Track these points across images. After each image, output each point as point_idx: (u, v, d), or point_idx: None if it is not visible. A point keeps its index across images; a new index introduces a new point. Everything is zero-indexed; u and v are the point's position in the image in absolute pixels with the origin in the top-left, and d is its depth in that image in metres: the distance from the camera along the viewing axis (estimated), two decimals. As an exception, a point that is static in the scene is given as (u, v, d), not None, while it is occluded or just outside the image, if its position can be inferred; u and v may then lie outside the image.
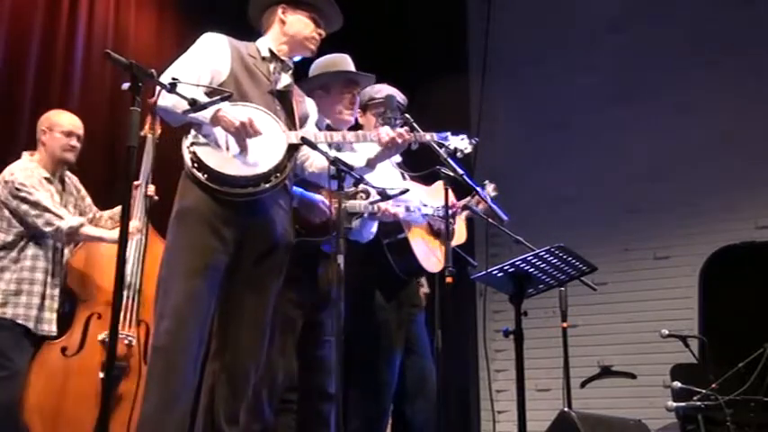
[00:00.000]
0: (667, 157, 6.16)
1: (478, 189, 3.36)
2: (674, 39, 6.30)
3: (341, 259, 2.88)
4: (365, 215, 3.43)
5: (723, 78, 6.07)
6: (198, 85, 2.73)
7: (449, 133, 3.16)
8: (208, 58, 2.88)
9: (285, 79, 3.02)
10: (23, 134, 4.16)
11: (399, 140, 2.96)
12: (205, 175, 2.73)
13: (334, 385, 3.20)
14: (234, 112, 2.72)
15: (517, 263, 3.26)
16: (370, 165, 3.05)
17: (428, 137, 3.08)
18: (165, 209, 2.92)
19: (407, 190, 3.30)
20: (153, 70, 2.41)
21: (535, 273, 3.33)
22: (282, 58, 3.04)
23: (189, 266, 2.70)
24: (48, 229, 3.64)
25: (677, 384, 4.28)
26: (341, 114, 3.49)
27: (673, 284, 6.06)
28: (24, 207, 3.65)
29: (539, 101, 6.72)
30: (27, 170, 3.74)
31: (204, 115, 2.69)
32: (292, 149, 2.86)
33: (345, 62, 3.57)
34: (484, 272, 3.32)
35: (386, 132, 2.97)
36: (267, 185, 2.77)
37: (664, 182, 6.17)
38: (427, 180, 3.79)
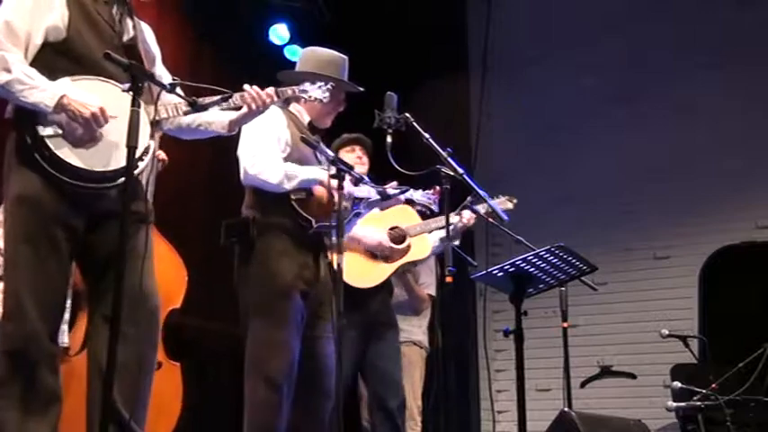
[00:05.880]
0: (667, 157, 6.16)
1: (478, 189, 3.35)
2: (674, 39, 6.30)
3: (341, 259, 2.88)
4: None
5: (723, 78, 6.07)
6: (196, 85, 2.71)
7: (308, 83, 3.00)
8: (36, 8, 2.45)
9: (129, 29, 2.64)
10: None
11: (266, 100, 2.77)
12: (59, 168, 2.44)
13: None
14: (82, 96, 2.43)
15: (517, 262, 3.26)
16: (231, 129, 2.84)
17: (290, 91, 2.93)
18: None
19: (408, 189, 3.30)
20: (152, 70, 2.41)
21: (535, 272, 3.33)
22: None
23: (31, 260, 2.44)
24: None
25: (677, 384, 4.27)
26: (328, 116, 3.44)
27: (673, 284, 6.06)
28: None
29: (539, 101, 6.71)
30: None
31: (45, 102, 2.38)
32: (154, 126, 2.58)
33: (343, 67, 3.44)
34: (484, 272, 3.32)
35: (253, 89, 2.75)
36: (137, 171, 2.50)
37: (663, 182, 6.17)
38: (427, 180, 3.78)
